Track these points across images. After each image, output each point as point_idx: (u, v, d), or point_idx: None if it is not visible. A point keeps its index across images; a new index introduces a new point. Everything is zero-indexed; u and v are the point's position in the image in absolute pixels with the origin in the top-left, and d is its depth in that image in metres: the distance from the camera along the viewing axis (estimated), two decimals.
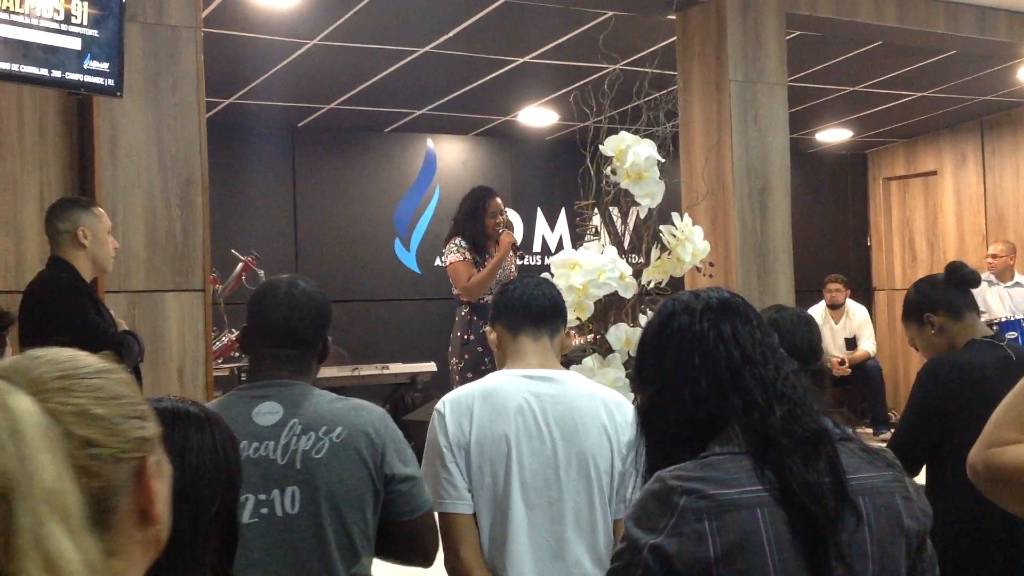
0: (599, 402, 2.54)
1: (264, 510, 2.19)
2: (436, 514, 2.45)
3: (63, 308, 3.55)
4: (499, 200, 5.85)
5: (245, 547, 2.14)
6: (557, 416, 2.50)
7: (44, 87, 3.99)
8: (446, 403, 2.55)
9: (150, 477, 1.07)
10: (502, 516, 2.47)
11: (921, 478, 3.08)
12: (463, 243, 5.71)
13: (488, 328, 2.76)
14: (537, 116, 8.59)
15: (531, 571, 2.46)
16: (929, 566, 1.62)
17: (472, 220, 5.76)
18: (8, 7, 3.54)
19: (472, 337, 5.70)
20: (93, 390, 1.05)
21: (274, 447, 2.21)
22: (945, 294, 3.18)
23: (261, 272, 6.80)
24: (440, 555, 2.48)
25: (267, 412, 2.25)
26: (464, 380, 5.69)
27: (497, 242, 5.71)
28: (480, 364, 5.69)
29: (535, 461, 2.48)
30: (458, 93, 7.76)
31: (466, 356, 5.69)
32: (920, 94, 8.52)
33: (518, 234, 9.39)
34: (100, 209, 3.82)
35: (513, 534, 2.46)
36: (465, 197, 5.96)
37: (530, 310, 2.61)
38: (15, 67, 3.59)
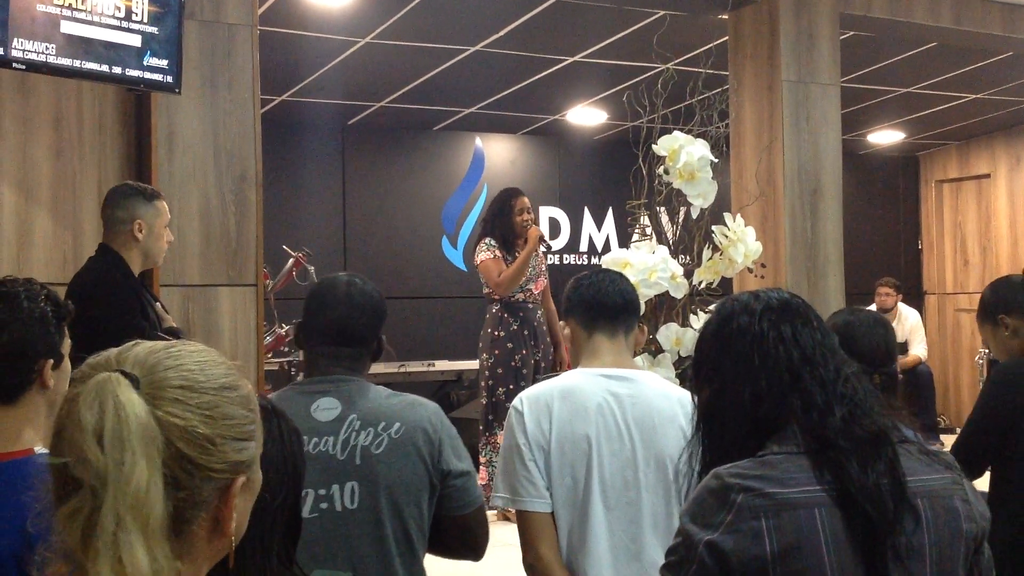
0: (676, 403, 2.51)
1: (324, 505, 2.21)
2: (514, 512, 2.46)
3: (105, 311, 3.40)
4: (526, 199, 6.05)
5: (305, 541, 2.18)
6: (636, 417, 2.47)
7: (104, 83, 4.06)
8: (524, 401, 2.52)
9: (233, 496, 1.09)
10: (581, 516, 2.45)
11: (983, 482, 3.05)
12: (492, 242, 5.93)
13: (562, 322, 2.75)
14: (586, 115, 8.59)
15: (610, 571, 2.44)
16: (986, 569, 1.62)
17: (500, 218, 5.99)
18: (71, 4, 3.61)
19: (503, 334, 5.86)
20: (206, 408, 1.06)
21: (333, 443, 2.24)
22: (1020, 296, 3.14)
23: (311, 268, 6.85)
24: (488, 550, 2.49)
25: (326, 408, 2.27)
26: (495, 375, 5.83)
27: (525, 239, 5.88)
28: (510, 360, 5.84)
29: (614, 462, 2.46)
30: (507, 92, 7.78)
31: (496, 352, 5.87)
32: (974, 96, 8.41)
33: (564, 233, 9.42)
34: (163, 203, 3.69)
35: (593, 534, 2.45)
36: (493, 198, 6.23)
37: (605, 307, 2.56)
38: (77, 63, 3.65)
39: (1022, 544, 2.84)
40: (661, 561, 2.43)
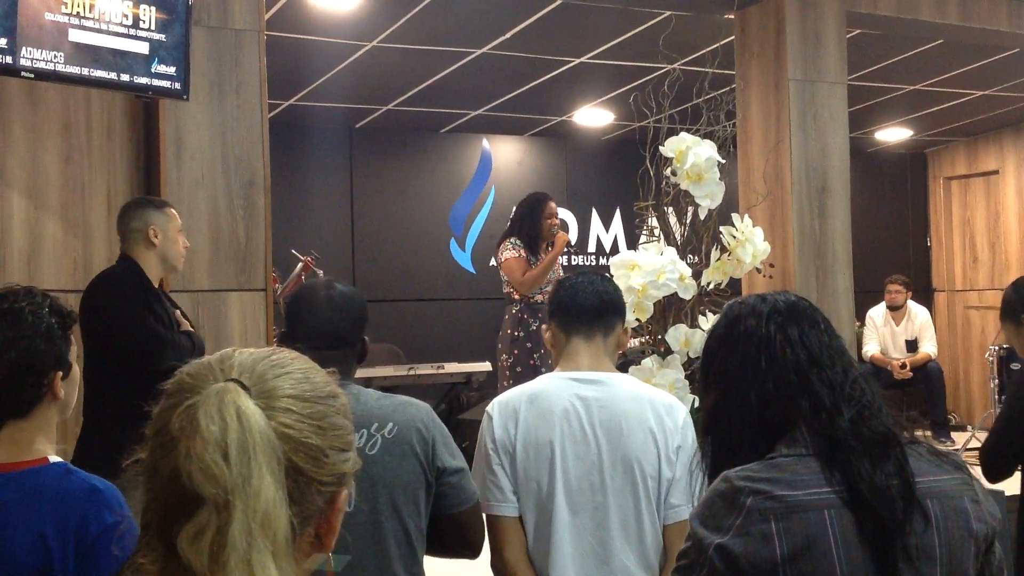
0: (647, 405, 2.51)
1: None
2: (483, 515, 2.48)
3: (116, 311, 3.57)
4: (554, 204, 6.18)
5: None
6: (603, 420, 2.48)
7: (113, 90, 4.07)
8: (495, 406, 2.57)
9: (339, 509, 1.06)
10: (547, 520, 2.47)
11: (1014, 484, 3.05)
12: (518, 242, 5.99)
13: (544, 326, 2.77)
14: (593, 116, 8.59)
15: (573, 575, 2.46)
16: (997, 570, 1.62)
17: (530, 220, 6.06)
18: (78, 12, 3.62)
19: (522, 334, 5.90)
20: (317, 417, 1.03)
21: None
22: None
23: (320, 272, 6.87)
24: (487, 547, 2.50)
25: None
26: (514, 375, 5.84)
27: (550, 243, 6.00)
28: (529, 359, 5.86)
29: (580, 465, 2.47)
30: (514, 94, 7.78)
31: (516, 352, 5.91)
32: (982, 92, 8.39)
33: (572, 234, 9.42)
34: (172, 210, 3.86)
35: (557, 538, 2.46)
36: (523, 200, 6.30)
37: (582, 310, 2.58)
38: (85, 71, 3.67)
39: None
40: (631, 565, 2.47)
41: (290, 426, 1.00)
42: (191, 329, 3.84)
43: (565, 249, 6.07)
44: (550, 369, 5.96)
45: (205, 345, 3.85)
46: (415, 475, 2.28)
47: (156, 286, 3.80)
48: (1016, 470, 3.05)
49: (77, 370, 2.01)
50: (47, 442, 1.92)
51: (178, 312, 3.84)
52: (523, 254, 5.96)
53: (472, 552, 2.44)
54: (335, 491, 1.05)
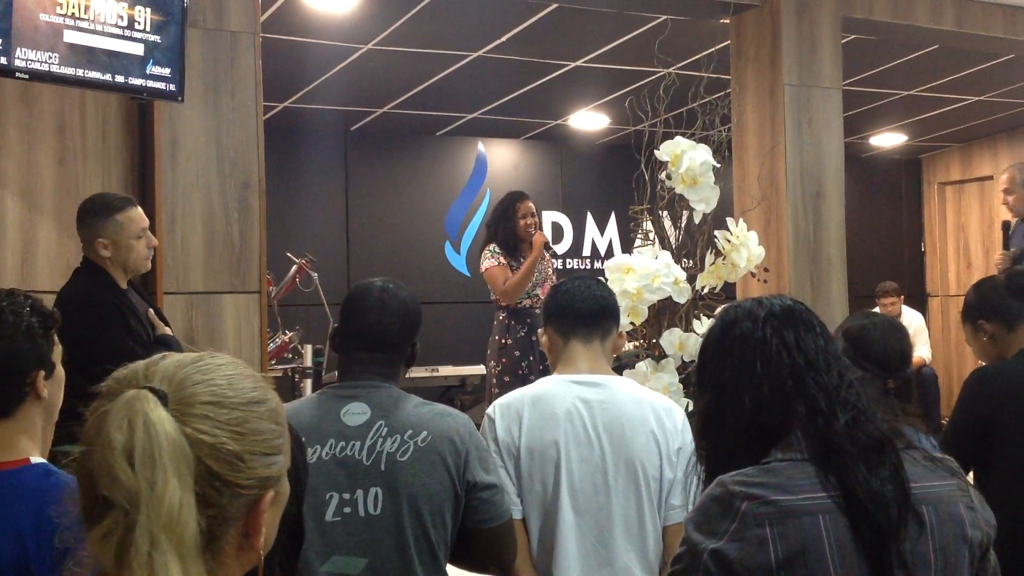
0: (648, 408, 2.53)
1: (347, 509, 2.23)
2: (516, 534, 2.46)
3: (85, 329, 3.30)
4: (530, 203, 5.91)
5: (328, 545, 2.19)
6: (606, 422, 2.50)
7: (107, 92, 4.06)
8: (496, 408, 2.57)
9: (262, 512, 1.08)
10: (551, 521, 2.48)
11: None
12: (496, 248, 5.81)
13: (540, 331, 2.77)
14: (588, 120, 8.60)
15: None
16: None
17: (504, 223, 5.85)
18: (73, 13, 3.62)
19: (510, 341, 5.77)
20: (235, 424, 1.06)
21: (360, 447, 2.26)
22: (1001, 302, 3.10)
23: (315, 275, 6.86)
24: None
25: (355, 412, 2.29)
26: (502, 383, 5.74)
27: (530, 244, 5.77)
28: (517, 368, 5.76)
29: (583, 467, 2.48)
30: (510, 97, 7.79)
31: (504, 360, 5.79)
32: (977, 98, 8.41)
33: (567, 238, 9.42)
34: (130, 212, 3.58)
35: (561, 539, 2.47)
36: (498, 202, 6.08)
37: (580, 314, 2.59)
38: (80, 72, 3.66)
39: (1005, 550, 2.83)
40: (633, 566, 2.47)
41: (205, 432, 1.03)
42: (167, 332, 3.66)
43: (546, 253, 5.87)
44: (540, 376, 5.93)
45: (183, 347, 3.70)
46: (443, 486, 2.27)
47: (125, 285, 3.60)
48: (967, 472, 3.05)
49: (62, 371, 2.00)
50: (31, 443, 1.92)
51: (151, 312, 3.66)
52: (503, 261, 5.75)
53: (502, 569, 2.42)
54: (258, 494, 1.07)
